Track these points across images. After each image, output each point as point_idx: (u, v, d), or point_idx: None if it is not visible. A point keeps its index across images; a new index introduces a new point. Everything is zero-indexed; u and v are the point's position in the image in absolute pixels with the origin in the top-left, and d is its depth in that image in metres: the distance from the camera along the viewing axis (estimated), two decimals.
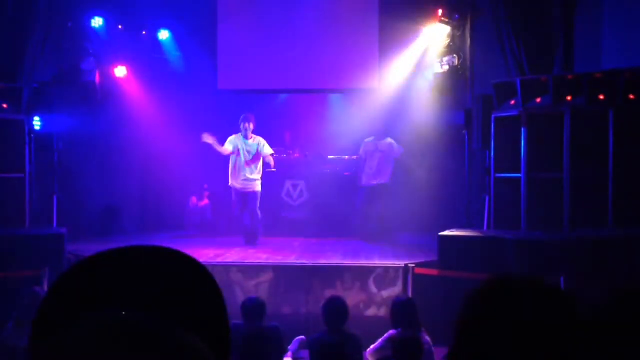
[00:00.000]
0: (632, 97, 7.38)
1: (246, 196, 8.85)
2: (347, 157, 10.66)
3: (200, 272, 0.78)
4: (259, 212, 8.89)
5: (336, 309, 5.05)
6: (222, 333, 0.76)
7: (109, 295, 0.71)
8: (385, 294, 7.17)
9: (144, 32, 10.58)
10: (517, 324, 0.89)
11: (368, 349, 5.22)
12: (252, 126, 8.85)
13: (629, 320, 1.18)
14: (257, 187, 8.87)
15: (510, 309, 0.91)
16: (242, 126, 8.85)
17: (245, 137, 8.87)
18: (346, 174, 10.48)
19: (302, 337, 5.46)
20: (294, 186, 10.53)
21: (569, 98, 7.74)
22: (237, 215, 9.11)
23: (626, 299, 1.25)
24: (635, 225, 7.03)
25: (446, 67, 9.93)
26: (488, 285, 0.96)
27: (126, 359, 0.58)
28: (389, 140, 9.68)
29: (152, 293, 0.72)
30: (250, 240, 8.93)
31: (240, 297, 6.22)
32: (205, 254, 8.13)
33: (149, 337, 0.60)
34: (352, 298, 6.84)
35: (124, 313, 0.64)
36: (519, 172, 8.04)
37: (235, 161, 8.86)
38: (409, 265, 7.28)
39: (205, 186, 11.11)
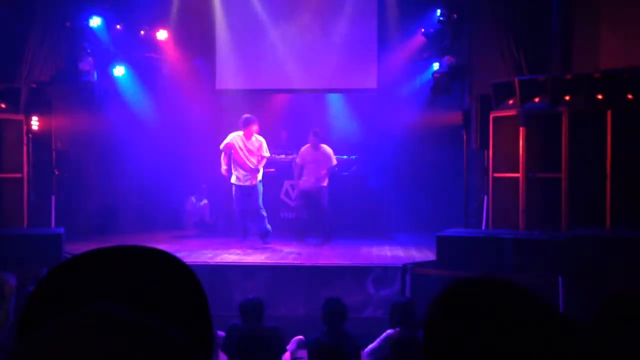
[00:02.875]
0: (631, 97, 7.40)
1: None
2: (345, 157, 10.66)
3: (182, 270, 0.79)
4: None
5: (335, 309, 5.05)
6: (205, 329, 0.77)
7: (93, 294, 0.72)
8: (384, 293, 7.17)
9: (142, 32, 10.57)
10: (480, 327, 0.90)
11: (366, 349, 5.22)
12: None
13: (615, 324, 1.18)
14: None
15: (475, 311, 0.92)
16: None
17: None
18: (344, 173, 10.48)
19: (301, 337, 5.45)
20: (292, 187, 10.52)
21: (567, 98, 7.75)
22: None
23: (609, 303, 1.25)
24: (633, 224, 7.04)
25: (445, 67, 9.94)
26: (453, 287, 0.97)
27: (109, 351, 0.58)
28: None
29: (135, 291, 0.73)
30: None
31: (239, 298, 6.22)
32: (204, 254, 8.13)
33: (132, 330, 0.60)
34: (351, 298, 6.83)
35: (103, 308, 0.65)
36: (518, 172, 8.05)
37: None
38: (407, 265, 7.28)
39: (204, 186, 11.10)
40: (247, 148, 8.88)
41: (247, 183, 8.90)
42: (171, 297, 0.75)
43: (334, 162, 9.45)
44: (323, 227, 9.42)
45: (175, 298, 0.76)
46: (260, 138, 8.99)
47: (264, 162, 9.03)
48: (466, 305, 0.93)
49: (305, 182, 9.40)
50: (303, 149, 9.50)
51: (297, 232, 9.46)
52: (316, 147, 9.36)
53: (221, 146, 8.92)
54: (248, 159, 8.86)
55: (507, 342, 0.88)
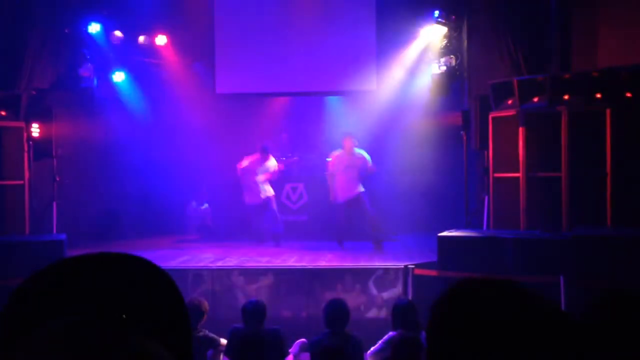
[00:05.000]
0: (629, 95, 7.40)
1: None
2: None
3: (160, 277, 0.78)
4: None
5: (337, 311, 5.05)
6: (183, 337, 0.76)
7: (68, 303, 0.71)
8: (386, 295, 7.18)
9: (141, 38, 10.58)
10: (483, 326, 0.90)
11: (368, 351, 5.22)
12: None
13: (608, 322, 1.19)
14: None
15: (478, 311, 0.92)
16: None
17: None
18: None
19: (303, 339, 5.45)
20: (293, 189, 10.54)
21: (566, 97, 7.75)
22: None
23: (607, 301, 1.26)
24: (634, 223, 7.04)
25: (443, 68, 9.95)
26: (456, 288, 0.97)
27: None
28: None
29: (111, 299, 0.72)
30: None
31: (241, 301, 6.23)
32: (206, 258, 8.14)
33: (104, 344, 0.60)
34: (353, 300, 6.84)
35: (79, 320, 0.64)
36: (518, 172, 8.05)
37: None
38: (409, 266, 7.29)
39: (205, 190, 11.11)
40: (264, 168, 9.52)
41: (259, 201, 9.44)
42: (149, 305, 0.74)
43: (370, 163, 9.09)
44: (371, 233, 9.07)
45: (153, 305, 0.74)
46: (274, 160, 9.67)
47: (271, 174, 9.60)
48: (469, 305, 0.93)
49: (344, 191, 9.06)
50: (335, 154, 9.20)
51: (337, 237, 9.12)
52: (351, 152, 9.10)
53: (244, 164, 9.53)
54: (259, 178, 9.46)
55: (511, 341, 0.89)
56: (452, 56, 9.94)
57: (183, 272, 7.16)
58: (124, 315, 0.71)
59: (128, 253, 0.80)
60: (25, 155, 8.55)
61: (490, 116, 8.45)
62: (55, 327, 0.62)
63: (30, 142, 8.63)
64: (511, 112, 8.16)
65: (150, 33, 10.59)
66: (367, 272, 7.37)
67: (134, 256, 0.79)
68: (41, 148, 8.81)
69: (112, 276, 0.75)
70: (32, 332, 0.62)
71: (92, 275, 0.75)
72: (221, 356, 5.31)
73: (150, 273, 0.78)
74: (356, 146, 9.16)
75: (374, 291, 7.25)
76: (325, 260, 8.03)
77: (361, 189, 9.07)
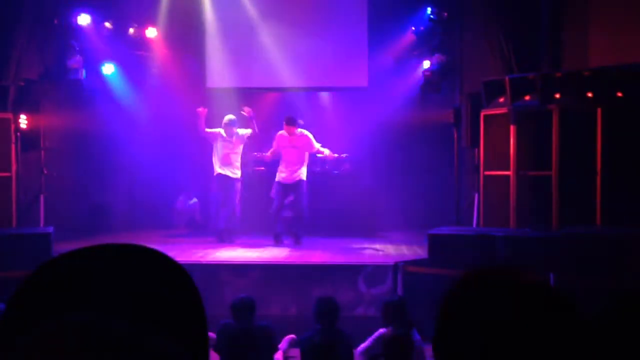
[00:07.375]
0: (620, 94, 7.43)
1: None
2: (336, 155, 10.64)
3: (175, 271, 0.74)
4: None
5: (327, 308, 5.03)
6: (200, 334, 0.72)
7: (78, 298, 0.67)
8: (375, 292, 7.17)
9: (131, 30, 10.50)
10: (494, 317, 0.88)
11: (358, 348, 5.21)
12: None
13: (627, 320, 1.17)
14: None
15: (489, 302, 0.90)
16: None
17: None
18: (335, 172, 10.47)
19: (293, 335, 5.44)
20: None
21: (557, 96, 7.78)
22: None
23: (628, 300, 1.24)
24: (623, 222, 7.07)
25: (435, 66, 9.94)
26: (466, 278, 0.95)
27: None
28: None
29: (123, 294, 0.68)
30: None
31: (230, 297, 6.19)
32: (195, 253, 8.09)
33: (117, 342, 0.56)
34: (342, 296, 6.82)
35: (91, 316, 0.60)
36: (508, 170, 8.07)
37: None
38: (399, 263, 7.28)
39: (193, 185, 11.05)
40: (228, 141, 8.98)
41: (229, 174, 8.97)
42: (164, 300, 0.70)
43: (316, 146, 8.77)
44: (296, 227, 8.91)
45: (169, 301, 0.70)
46: (242, 130, 9.01)
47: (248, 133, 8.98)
48: (481, 295, 0.91)
49: (284, 174, 8.87)
50: (278, 133, 9.00)
51: (274, 234, 8.90)
52: (291, 132, 8.83)
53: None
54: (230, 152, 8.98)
55: (523, 334, 0.87)
56: (443, 53, 9.94)
57: None
58: (138, 311, 0.67)
59: (143, 245, 0.74)
60: (13, 147, 8.46)
61: (481, 114, 8.46)
62: (65, 324, 0.58)
63: (18, 134, 8.54)
64: (502, 110, 8.18)
65: (141, 25, 10.50)
66: (357, 269, 7.35)
67: (148, 249, 0.74)
68: (29, 140, 8.72)
69: (125, 270, 0.70)
70: (39, 328, 0.58)
71: (104, 268, 0.69)
72: (210, 349, 5.27)
73: (166, 267, 0.73)
74: (299, 127, 8.88)
75: (363, 288, 7.23)
76: (315, 256, 8.01)
77: (302, 176, 8.81)
